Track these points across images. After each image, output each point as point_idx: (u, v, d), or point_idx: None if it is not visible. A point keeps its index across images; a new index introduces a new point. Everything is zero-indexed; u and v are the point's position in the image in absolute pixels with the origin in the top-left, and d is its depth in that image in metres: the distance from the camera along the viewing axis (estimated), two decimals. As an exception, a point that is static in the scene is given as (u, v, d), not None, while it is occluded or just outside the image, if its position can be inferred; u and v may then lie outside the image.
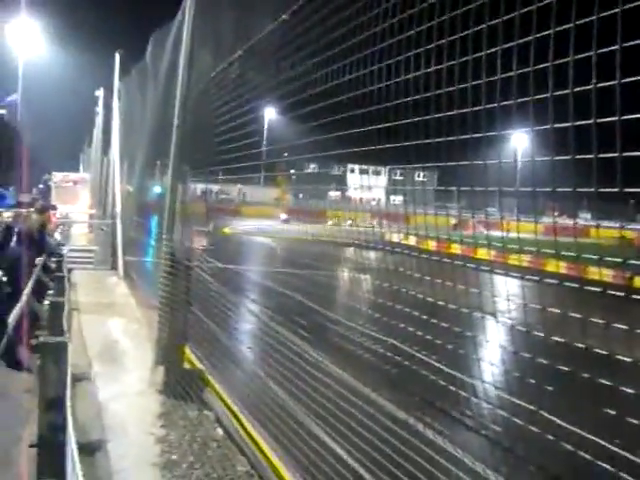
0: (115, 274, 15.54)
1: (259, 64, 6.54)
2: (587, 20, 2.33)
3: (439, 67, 3.20)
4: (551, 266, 7.90)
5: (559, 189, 2.50)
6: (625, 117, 2.16)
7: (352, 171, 57.67)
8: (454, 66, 3.10)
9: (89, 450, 5.31)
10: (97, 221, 21.01)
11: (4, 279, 8.36)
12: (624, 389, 2.56)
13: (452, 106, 3.13)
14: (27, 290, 8.16)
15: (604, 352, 2.61)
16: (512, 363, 3.40)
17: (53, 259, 10.61)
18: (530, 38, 2.60)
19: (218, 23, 7.56)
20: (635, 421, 2.54)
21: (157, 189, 12.45)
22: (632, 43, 2.15)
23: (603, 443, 2.94)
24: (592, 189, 2.32)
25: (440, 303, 3.59)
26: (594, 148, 2.29)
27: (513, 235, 3.21)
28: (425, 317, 3.71)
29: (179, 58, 7.81)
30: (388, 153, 3.85)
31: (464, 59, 3.01)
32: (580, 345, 2.75)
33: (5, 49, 38.30)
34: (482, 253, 4.31)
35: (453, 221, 5.67)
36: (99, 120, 24.93)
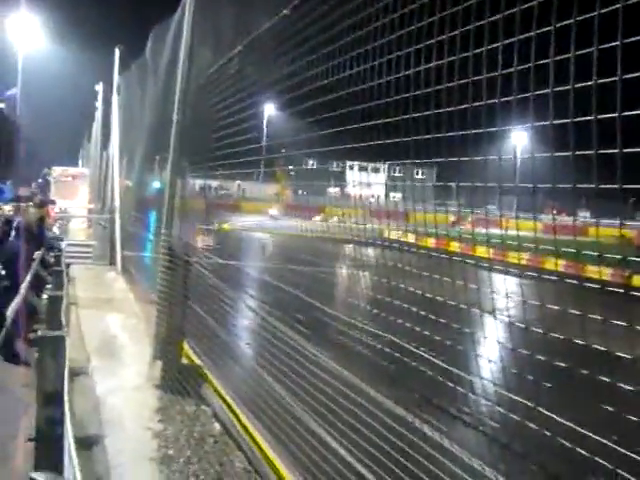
0: (113, 269, 15.54)
1: (259, 59, 6.53)
2: (588, 16, 2.33)
3: (439, 62, 3.19)
4: (549, 264, 7.91)
5: (559, 185, 2.50)
6: (626, 113, 2.15)
7: (351, 168, 57.57)
8: (454, 62, 3.09)
9: (86, 444, 5.31)
10: (96, 216, 21.00)
11: (3, 273, 8.37)
12: (622, 386, 2.56)
13: (451, 102, 3.12)
14: (25, 284, 8.16)
15: (602, 348, 2.61)
16: (509, 360, 3.40)
17: (51, 253, 10.61)
18: (530, 34, 2.59)
19: (218, 18, 7.55)
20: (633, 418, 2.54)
21: (156, 184, 12.44)
22: (633, 39, 2.15)
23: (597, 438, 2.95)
24: (592, 185, 2.31)
25: (428, 296, 3.61)
26: (594, 145, 2.28)
27: (512, 233, 3.20)
28: (417, 311, 3.73)
29: (179, 53, 7.80)
30: (386, 149, 3.85)
31: (464, 55, 3.01)
32: (579, 342, 2.76)
33: (5, 43, 38.26)
34: (481, 251, 4.31)
35: (452, 218, 5.67)
36: (98, 115, 24.89)
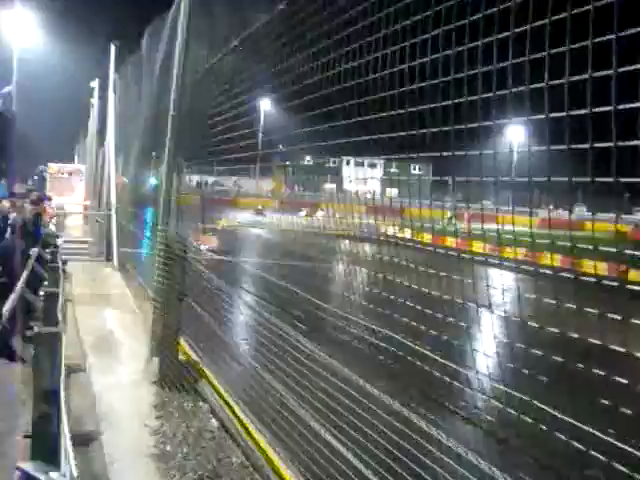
0: (110, 265, 15.53)
1: (254, 54, 6.51)
2: (583, 10, 2.32)
3: (435, 57, 3.19)
4: (545, 259, 7.90)
5: (554, 179, 2.49)
6: (621, 107, 2.15)
7: (347, 163, 57.53)
8: (449, 56, 3.08)
9: (83, 441, 5.30)
10: (92, 212, 20.95)
11: (-2, 269, 8.35)
12: (617, 379, 2.57)
13: (447, 96, 3.11)
14: (22, 281, 8.14)
15: (596, 342, 2.62)
16: (504, 354, 3.40)
17: (48, 250, 10.57)
18: (526, 27, 2.58)
19: (213, 13, 7.52)
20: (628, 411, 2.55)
21: (152, 180, 12.42)
22: (628, 32, 2.14)
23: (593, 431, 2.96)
24: (588, 179, 2.31)
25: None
26: (589, 138, 2.28)
27: (508, 227, 3.20)
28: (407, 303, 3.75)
29: (174, 49, 7.78)
30: (382, 144, 3.84)
31: (459, 49, 3.00)
32: (573, 335, 2.76)
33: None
34: (477, 246, 4.31)
35: (448, 214, 5.68)
36: (94, 111, 24.78)
